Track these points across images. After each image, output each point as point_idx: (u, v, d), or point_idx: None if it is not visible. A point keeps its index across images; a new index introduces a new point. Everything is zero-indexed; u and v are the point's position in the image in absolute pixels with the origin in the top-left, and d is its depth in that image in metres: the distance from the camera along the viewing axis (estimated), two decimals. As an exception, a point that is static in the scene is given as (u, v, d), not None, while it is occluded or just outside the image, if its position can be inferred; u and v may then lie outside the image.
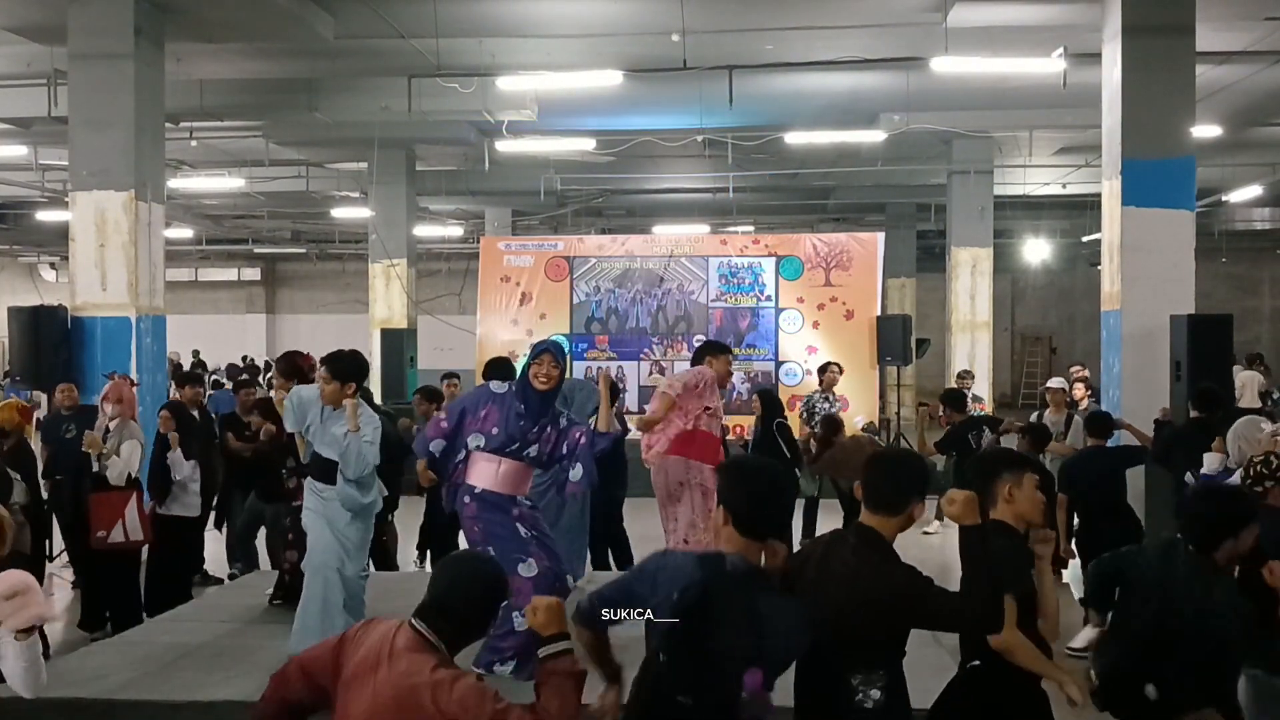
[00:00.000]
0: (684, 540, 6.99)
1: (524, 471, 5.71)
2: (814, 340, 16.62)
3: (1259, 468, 5.04)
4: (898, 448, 4.15)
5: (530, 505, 5.82)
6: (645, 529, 8.45)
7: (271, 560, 8.75)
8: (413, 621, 3.01)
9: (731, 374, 7.86)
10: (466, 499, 5.61)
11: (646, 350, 16.60)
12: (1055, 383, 11.94)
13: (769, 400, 10.07)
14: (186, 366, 23.42)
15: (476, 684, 2.88)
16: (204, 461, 8.91)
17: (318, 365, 6.35)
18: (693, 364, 7.59)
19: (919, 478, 3.38)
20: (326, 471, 6.04)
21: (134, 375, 9.84)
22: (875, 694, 3.16)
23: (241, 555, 9.58)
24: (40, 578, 7.43)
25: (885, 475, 3.36)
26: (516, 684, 5.35)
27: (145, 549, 8.06)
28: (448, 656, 2.97)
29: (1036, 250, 26.00)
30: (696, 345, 8.26)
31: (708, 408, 7.15)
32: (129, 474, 7.77)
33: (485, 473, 5.61)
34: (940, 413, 10.22)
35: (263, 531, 9.30)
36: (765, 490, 3.18)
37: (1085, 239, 24.30)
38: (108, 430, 7.87)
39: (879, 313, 16.90)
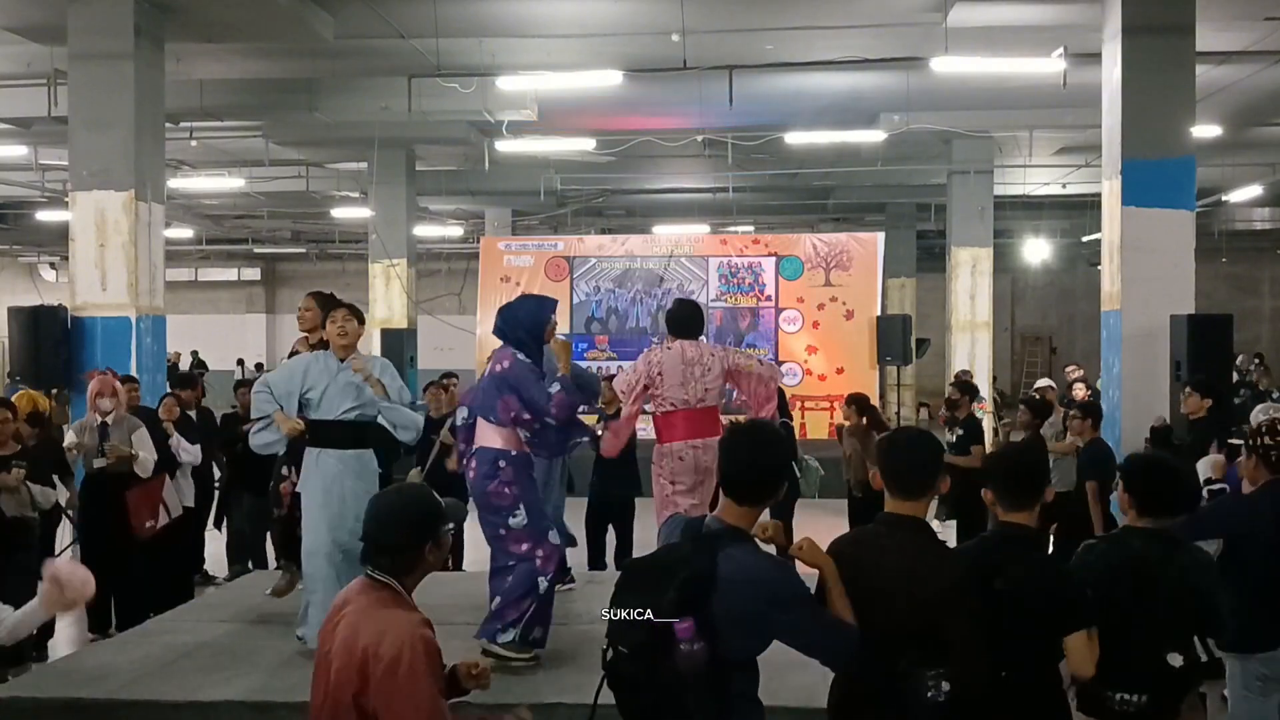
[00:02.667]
0: None
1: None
2: (814, 340, 16.63)
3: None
4: (909, 428, 4.02)
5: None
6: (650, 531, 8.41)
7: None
8: (366, 571, 3.06)
9: None
10: (502, 463, 5.56)
11: (646, 350, 16.59)
12: (1043, 382, 11.92)
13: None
14: (184, 367, 23.46)
15: (408, 657, 2.85)
16: (202, 460, 8.92)
17: (327, 312, 6.14)
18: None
19: (938, 455, 3.37)
20: (345, 436, 5.89)
21: (133, 375, 9.86)
22: (946, 686, 3.12)
23: (251, 558, 9.57)
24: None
25: (907, 458, 3.33)
26: (514, 679, 5.35)
27: (143, 548, 8.09)
28: (400, 589, 3.01)
29: (1036, 250, 25.97)
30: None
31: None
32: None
33: (510, 436, 5.61)
34: (942, 411, 10.22)
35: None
36: (745, 455, 3.17)
37: (1085, 239, 24.29)
38: (105, 425, 7.86)
39: (879, 313, 16.92)
